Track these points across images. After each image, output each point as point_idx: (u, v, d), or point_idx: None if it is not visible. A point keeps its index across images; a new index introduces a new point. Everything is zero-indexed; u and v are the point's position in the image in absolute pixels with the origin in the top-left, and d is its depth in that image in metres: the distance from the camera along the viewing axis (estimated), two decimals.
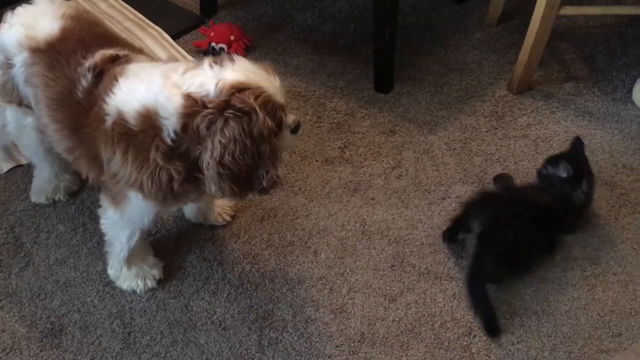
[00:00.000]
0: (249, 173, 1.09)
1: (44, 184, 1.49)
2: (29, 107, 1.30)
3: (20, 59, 1.23)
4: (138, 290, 1.34)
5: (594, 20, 2.11)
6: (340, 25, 2.13)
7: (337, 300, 1.34)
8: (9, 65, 1.25)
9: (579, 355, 1.25)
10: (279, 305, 1.33)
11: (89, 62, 1.16)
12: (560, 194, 1.41)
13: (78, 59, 1.18)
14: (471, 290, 1.30)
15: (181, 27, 2.10)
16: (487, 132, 1.73)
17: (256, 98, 1.04)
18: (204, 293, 1.35)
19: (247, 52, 1.99)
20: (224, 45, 1.98)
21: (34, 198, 1.51)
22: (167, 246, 1.44)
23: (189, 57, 1.98)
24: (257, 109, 1.04)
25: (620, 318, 1.30)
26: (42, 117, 1.24)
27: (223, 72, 1.06)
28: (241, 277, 1.39)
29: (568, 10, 1.72)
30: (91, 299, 1.34)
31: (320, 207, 1.53)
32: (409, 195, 1.56)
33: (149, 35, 2.07)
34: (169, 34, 2.05)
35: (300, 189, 1.57)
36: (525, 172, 1.62)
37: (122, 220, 1.24)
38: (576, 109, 1.80)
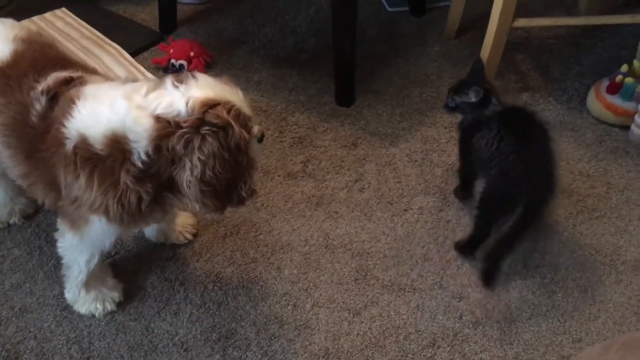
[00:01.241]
0: (229, 186, 1.10)
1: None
2: None
3: None
4: (97, 314, 1.31)
5: (547, 32, 2.16)
6: (301, 40, 2.14)
7: (301, 316, 1.33)
8: None
9: None
10: (242, 324, 1.32)
11: (42, 86, 1.13)
12: (475, 117, 1.45)
13: (30, 82, 1.14)
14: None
15: (140, 44, 2.08)
16: (447, 142, 1.75)
17: (228, 112, 1.06)
18: (166, 314, 1.33)
19: (208, 68, 1.98)
20: (184, 62, 1.97)
21: None
22: (127, 267, 1.42)
23: (149, 75, 1.96)
24: (232, 122, 1.05)
25: (580, 323, 1.32)
26: None
27: (190, 90, 1.06)
28: (203, 296, 1.37)
29: (521, 22, 1.76)
30: (48, 324, 1.31)
31: (283, 223, 1.52)
32: (372, 207, 1.56)
33: (107, 53, 2.04)
34: (127, 51, 2.03)
35: (262, 205, 1.56)
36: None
37: (82, 244, 1.21)
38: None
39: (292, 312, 1.34)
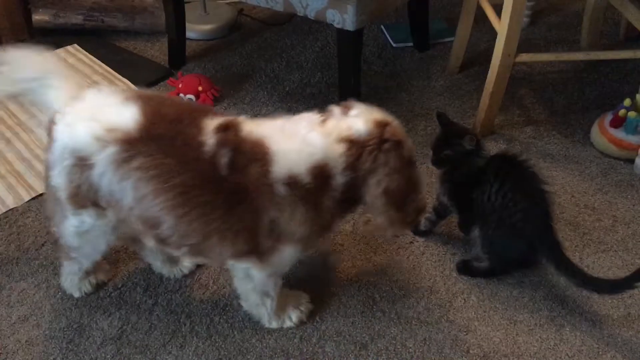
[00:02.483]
0: (407, 198, 1.20)
1: (77, 276, 1.39)
2: (104, 207, 1.20)
3: (104, 156, 1.11)
4: (304, 318, 1.36)
5: (551, 66, 2.20)
6: (307, 75, 2.18)
7: (307, 349, 1.33)
8: (84, 167, 1.13)
9: None
10: (248, 357, 1.31)
11: (211, 138, 1.11)
12: (468, 168, 1.42)
13: (194, 137, 1.11)
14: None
15: (149, 79, 2.13)
16: None
17: (400, 129, 1.20)
18: (172, 347, 1.33)
19: (216, 102, 2.01)
20: (192, 96, 2.00)
21: (69, 291, 1.42)
22: (133, 299, 1.42)
23: None
24: (406, 138, 1.18)
25: (588, 358, 1.31)
26: (155, 212, 1.13)
27: (361, 114, 1.17)
28: (209, 328, 1.36)
29: (524, 58, 1.79)
30: (54, 357, 1.31)
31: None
32: (377, 240, 1.57)
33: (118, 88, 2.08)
34: (137, 87, 2.07)
35: None
36: None
37: (268, 276, 1.26)
38: (537, 151, 1.85)
39: (299, 345, 1.33)
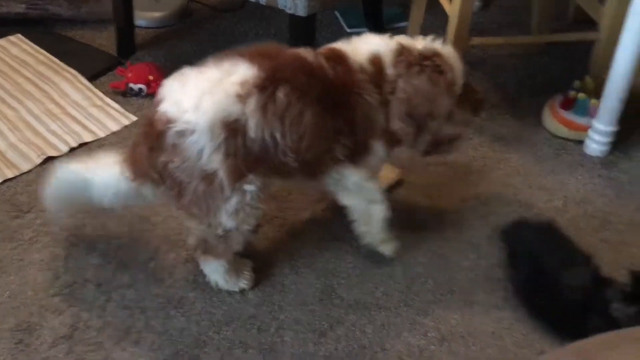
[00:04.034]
0: (429, 120, 1.32)
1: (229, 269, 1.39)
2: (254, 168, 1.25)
3: (251, 106, 1.19)
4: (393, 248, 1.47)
5: (503, 50, 2.22)
6: None
7: (266, 339, 1.31)
8: (237, 131, 1.19)
9: None
10: (206, 349, 1.29)
11: (311, 55, 1.28)
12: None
13: (298, 57, 1.26)
14: None
15: (97, 69, 2.06)
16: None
17: (452, 66, 1.33)
18: (126, 343, 1.29)
19: None
20: (142, 86, 1.95)
21: (231, 287, 1.41)
22: (84, 296, 1.38)
23: (107, 100, 1.94)
24: (450, 70, 1.32)
25: (543, 335, 1.33)
26: (300, 130, 1.23)
27: (430, 43, 1.35)
28: (165, 323, 1.34)
29: (476, 41, 1.80)
30: (3, 358, 1.26)
31: (248, 246, 1.50)
32: (336, 227, 1.56)
33: (64, 78, 2.02)
34: (85, 76, 2.01)
35: None
36: (445, 198, 1.66)
37: (367, 178, 1.35)
38: (491, 134, 1.87)
39: (257, 336, 1.32)
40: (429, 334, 1.33)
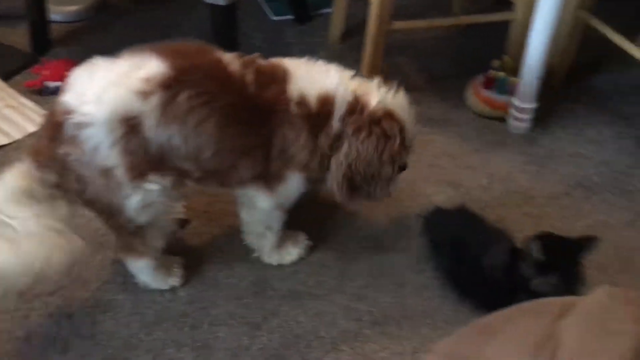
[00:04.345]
0: (366, 182, 1.28)
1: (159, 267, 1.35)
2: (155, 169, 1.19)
3: (150, 106, 1.12)
4: (304, 254, 1.44)
5: (427, 33, 2.25)
6: None
7: (199, 337, 1.29)
8: (135, 127, 1.13)
9: None
10: (137, 352, 1.26)
11: (235, 65, 1.20)
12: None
13: (218, 63, 1.19)
14: None
15: (11, 67, 1.96)
16: None
17: (400, 131, 1.27)
18: (52, 353, 1.25)
19: None
20: (59, 84, 1.87)
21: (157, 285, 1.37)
22: (4, 307, 1.32)
23: (23, 100, 1.85)
24: (397, 138, 1.25)
25: (472, 309, 1.37)
26: (201, 138, 1.17)
27: (385, 94, 1.28)
28: (93, 328, 1.30)
29: (398, 25, 1.81)
30: None
31: (177, 241, 1.47)
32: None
33: None
34: None
35: None
36: None
37: (276, 206, 1.32)
38: (418, 117, 1.88)
39: (190, 334, 1.30)
40: (362, 319, 1.35)
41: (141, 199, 1.19)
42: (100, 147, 1.13)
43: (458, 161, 1.76)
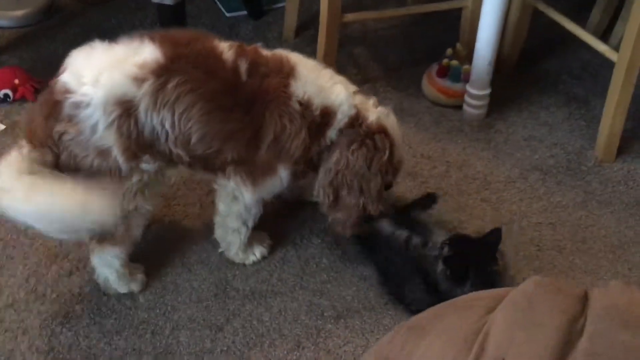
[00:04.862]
0: (353, 194, 1.30)
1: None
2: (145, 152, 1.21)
3: (144, 90, 1.15)
4: (266, 253, 1.44)
5: (382, 24, 2.25)
6: None
7: (160, 343, 1.28)
8: (130, 111, 1.16)
9: None
10: None
11: (231, 51, 1.21)
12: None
13: (212, 51, 1.21)
14: None
15: None
16: None
17: (391, 147, 1.31)
18: None
19: (38, 95, 1.84)
20: (8, 91, 1.82)
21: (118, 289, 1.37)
22: None
23: None
24: (387, 152, 1.29)
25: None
26: (190, 123, 1.19)
27: (381, 112, 1.34)
28: (51, 341, 1.27)
29: (350, 17, 1.81)
30: None
31: (134, 248, 1.45)
32: None
33: None
34: None
35: None
36: None
37: (256, 201, 1.32)
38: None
39: (151, 340, 1.28)
40: (325, 314, 1.35)
41: (137, 180, 1.22)
42: (97, 127, 1.16)
43: (416, 151, 1.77)
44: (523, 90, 1.97)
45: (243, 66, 1.21)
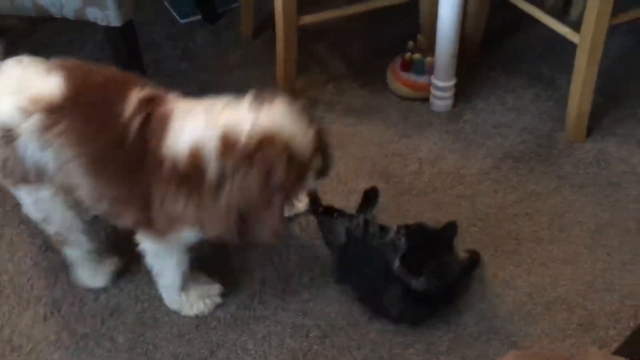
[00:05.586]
0: (254, 218, 1.11)
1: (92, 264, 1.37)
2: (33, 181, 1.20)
3: (28, 125, 1.12)
4: (207, 311, 1.35)
5: (342, 19, 2.19)
6: None
7: None
8: (9, 138, 1.14)
9: (388, 357, 1.30)
10: None
11: (130, 107, 1.12)
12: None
13: (116, 106, 1.12)
14: None
15: None
16: None
17: (281, 156, 1.07)
18: None
19: None
20: None
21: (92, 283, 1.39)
22: None
23: None
24: (278, 167, 1.07)
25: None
26: (73, 176, 1.16)
27: (260, 115, 1.08)
28: None
29: (307, 20, 1.76)
30: None
31: (110, 287, 1.41)
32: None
33: None
34: None
35: None
36: None
37: (169, 249, 1.25)
38: (342, 109, 1.87)
39: None
40: (310, 334, 1.33)
41: (29, 202, 1.25)
42: None
43: (386, 149, 1.74)
44: (488, 74, 1.95)
45: (135, 124, 1.12)
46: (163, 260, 1.29)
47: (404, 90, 1.86)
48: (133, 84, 1.17)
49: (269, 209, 1.11)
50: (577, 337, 1.32)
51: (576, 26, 1.64)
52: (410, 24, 2.05)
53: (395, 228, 1.31)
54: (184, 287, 1.33)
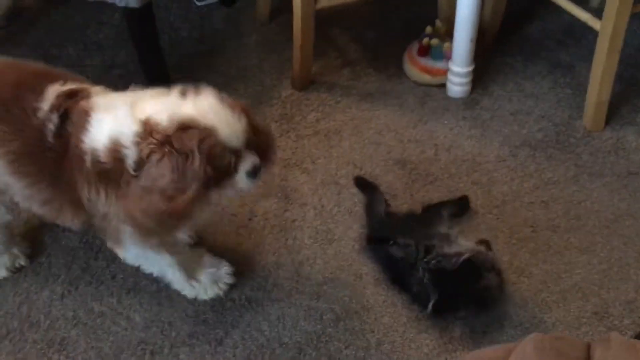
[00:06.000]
0: (164, 213, 1.06)
1: None
2: None
3: None
4: (222, 292, 1.34)
5: (361, 2, 2.17)
6: (109, 55, 1.99)
7: None
8: None
9: (401, 341, 1.30)
10: None
11: (47, 104, 1.07)
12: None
13: (30, 103, 1.08)
14: None
15: None
16: (280, 137, 1.72)
17: (201, 141, 1.03)
18: None
19: None
20: None
21: None
22: None
23: None
24: (196, 152, 1.02)
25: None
26: (1, 177, 1.13)
27: (181, 105, 1.05)
28: None
29: (324, 3, 1.75)
30: None
31: (125, 266, 1.42)
32: (215, 224, 1.51)
33: None
34: None
35: (100, 250, 1.45)
36: (322, 170, 1.64)
37: (152, 253, 1.22)
38: (357, 93, 1.86)
39: None
40: (324, 317, 1.34)
41: None
42: None
43: (402, 135, 1.73)
44: (506, 60, 1.93)
45: (51, 126, 1.07)
46: (154, 262, 1.27)
47: (422, 76, 1.85)
48: (52, 79, 1.12)
49: (183, 194, 1.04)
50: (591, 326, 1.32)
51: (597, 13, 1.62)
52: (426, 9, 2.03)
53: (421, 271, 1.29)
54: (192, 275, 1.32)
